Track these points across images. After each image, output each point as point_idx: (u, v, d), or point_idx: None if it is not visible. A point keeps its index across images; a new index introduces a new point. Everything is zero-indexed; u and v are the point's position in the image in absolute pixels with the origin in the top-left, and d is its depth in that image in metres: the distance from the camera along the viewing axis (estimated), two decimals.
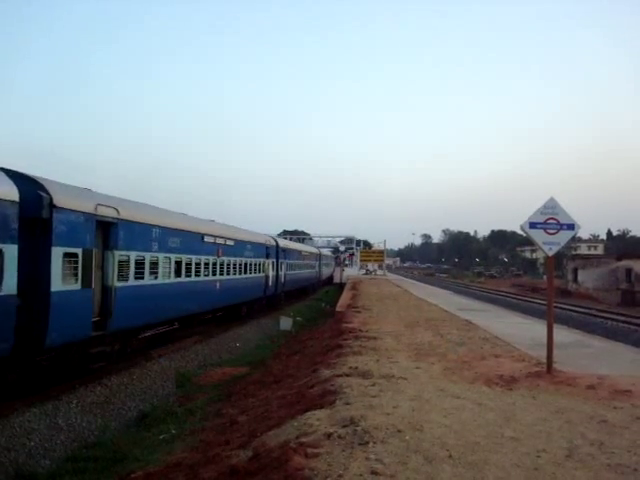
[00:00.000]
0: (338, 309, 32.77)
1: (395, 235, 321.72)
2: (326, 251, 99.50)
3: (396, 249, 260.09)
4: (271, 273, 43.16)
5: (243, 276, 34.77)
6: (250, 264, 36.73)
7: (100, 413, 15.39)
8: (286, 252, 49.91)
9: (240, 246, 34.41)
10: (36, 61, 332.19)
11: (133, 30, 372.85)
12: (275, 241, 47.04)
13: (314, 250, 74.43)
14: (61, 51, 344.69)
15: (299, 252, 59.12)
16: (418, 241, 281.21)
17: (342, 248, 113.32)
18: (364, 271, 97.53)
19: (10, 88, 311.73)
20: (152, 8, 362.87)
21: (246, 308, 36.94)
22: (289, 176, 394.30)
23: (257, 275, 38.92)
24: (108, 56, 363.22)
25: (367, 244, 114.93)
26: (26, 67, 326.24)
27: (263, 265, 40.60)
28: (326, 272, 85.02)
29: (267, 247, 42.54)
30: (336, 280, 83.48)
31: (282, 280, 47.33)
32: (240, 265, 34.16)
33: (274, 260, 44.30)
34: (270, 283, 42.87)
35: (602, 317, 42.55)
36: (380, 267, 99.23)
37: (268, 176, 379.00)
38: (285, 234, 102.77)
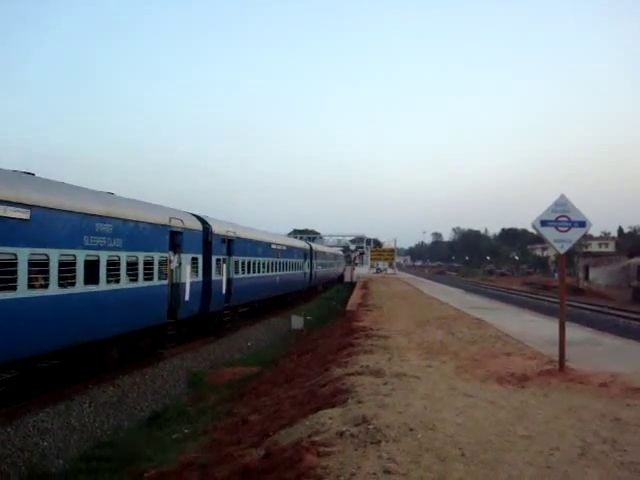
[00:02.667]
0: (349, 308, 32.85)
1: (405, 234, 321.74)
2: (333, 248, 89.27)
3: (406, 248, 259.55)
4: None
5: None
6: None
7: (113, 413, 15.46)
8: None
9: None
10: (41, 62, 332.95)
11: (140, 30, 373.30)
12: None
13: (299, 244, 55.71)
14: (68, 52, 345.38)
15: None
16: (428, 239, 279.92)
17: (352, 247, 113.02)
18: (375, 270, 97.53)
19: (18, 89, 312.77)
20: (159, 7, 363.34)
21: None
22: (299, 175, 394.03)
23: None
24: (113, 57, 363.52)
25: (377, 243, 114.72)
26: (32, 67, 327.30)
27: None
28: (327, 272, 71.24)
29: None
30: (347, 279, 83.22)
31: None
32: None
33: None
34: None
35: (614, 314, 42.41)
36: (391, 266, 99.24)
37: (278, 175, 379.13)
38: (295, 233, 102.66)
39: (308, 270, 53.94)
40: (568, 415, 8.98)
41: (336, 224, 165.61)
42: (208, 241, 25.89)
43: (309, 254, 54.90)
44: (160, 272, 20.31)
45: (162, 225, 20.92)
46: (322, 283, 68.14)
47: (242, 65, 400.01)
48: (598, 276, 71.99)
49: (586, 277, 75.52)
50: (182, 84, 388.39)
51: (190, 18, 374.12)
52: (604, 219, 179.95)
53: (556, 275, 73.11)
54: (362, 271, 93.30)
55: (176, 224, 22.09)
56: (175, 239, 21.99)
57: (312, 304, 50.38)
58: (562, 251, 13.24)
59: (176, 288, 21.87)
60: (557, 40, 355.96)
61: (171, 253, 21.49)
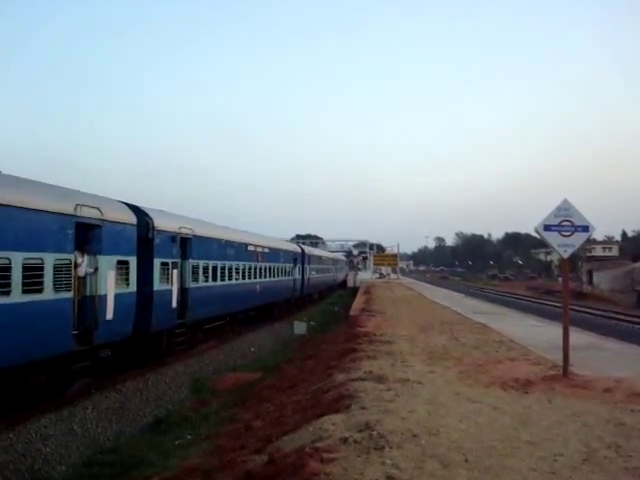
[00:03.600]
0: (352, 313, 32.85)
1: (408, 238, 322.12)
2: (331, 253, 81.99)
3: (409, 252, 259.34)
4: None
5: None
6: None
7: (115, 419, 15.43)
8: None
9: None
10: (43, 65, 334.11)
11: (139, 32, 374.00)
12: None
13: (287, 246, 47.56)
14: (66, 55, 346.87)
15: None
16: (431, 244, 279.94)
17: (355, 252, 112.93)
18: (377, 275, 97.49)
19: (19, 93, 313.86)
20: (159, 8, 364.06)
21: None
22: (301, 180, 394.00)
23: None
24: (112, 60, 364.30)
25: (380, 248, 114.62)
26: (33, 71, 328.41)
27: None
28: (323, 278, 63.52)
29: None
30: (350, 284, 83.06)
31: None
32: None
33: None
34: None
35: (618, 319, 42.31)
36: (394, 271, 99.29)
37: (280, 180, 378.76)
38: (298, 238, 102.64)
39: (299, 276, 47.66)
40: (572, 420, 8.96)
41: (339, 229, 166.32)
42: (148, 239, 19.62)
43: (300, 258, 48.65)
44: (58, 281, 14.02)
45: (61, 214, 14.48)
46: (318, 291, 62.19)
47: (245, 70, 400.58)
48: (602, 280, 71.86)
49: (590, 281, 75.44)
50: (183, 88, 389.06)
51: (190, 19, 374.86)
52: (608, 223, 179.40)
53: (560, 280, 73.07)
54: (365, 276, 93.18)
55: (89, 214, 15.56)
56: (87, 235, 15.81)
57: (314, 309, 50.29)
58: (565, 256, 13.22)
59: (89, 302, 15.55)
60: (559, 42, 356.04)
61: (78, 254, 15.23)
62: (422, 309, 32.84)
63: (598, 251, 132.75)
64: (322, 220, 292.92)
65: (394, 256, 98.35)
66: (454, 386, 11.47)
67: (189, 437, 13.52)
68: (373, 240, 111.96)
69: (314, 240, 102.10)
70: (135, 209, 19.25)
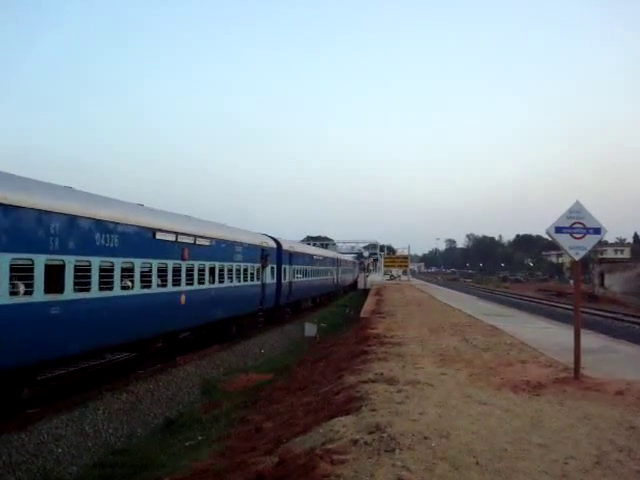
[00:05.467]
0: (362, 315, 32.74)
1: (419, 240, 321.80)
2: (328, 251, 72.20)
3: (420, 254, 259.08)
4: None
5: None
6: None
7: (126, 420, 15.50)
8: None
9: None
10: (49, 67, 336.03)
11: (148, 34, 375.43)
12: None
13: (247, 238, 32.21)
14: (69, 56, 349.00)
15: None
16: (442, 246, 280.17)
17: (366, 254, 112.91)
18: (388, 277, 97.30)
19: (23, 95, 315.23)
20: (166, 9, 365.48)
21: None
22: (312, 182, 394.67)
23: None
24: (120, 62, 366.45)
25: (391, 249, 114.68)
26: (39, 73, 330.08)
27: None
28: (316, 283, 52.39)
29: None
30: (360, 286, 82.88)
31: None
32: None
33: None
34: None
35: (629, 322, 42.04)
36: (404, 272, 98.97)
37: (291, 182, 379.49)
38: (308, 240, 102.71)
39: (272, 280, 35.50)
40: (584, 423, 8.92)
41: (350, 231, 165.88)
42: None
43: (276, 256, 36.76)
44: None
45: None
46: (310, 297, 51.68)
47: (255, 70, 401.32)
48: (614, 283, 71.35)
49: (601, 284, 74.88)
50: (192, 90, 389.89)
51: (200, 22, 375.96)
52: (619, 225, 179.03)
53: (571, 282, 72.77)
54: (376, 278, 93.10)
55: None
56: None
57: (325, 311, 50.19)
58: (577, 258, 13.16)
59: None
60: (578, 42, 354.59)
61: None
62: (433, 311, 32.71)
63: (610, 253, 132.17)
64: (333, 222, 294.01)
65: (405, 258, 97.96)
66: (465, 388, 11.43)
67: (200, 438, 13.55)
68: (384, 242, 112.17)
69: (324, 242, 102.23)
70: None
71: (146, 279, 18.64)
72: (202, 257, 23.81)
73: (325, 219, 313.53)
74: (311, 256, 50.48)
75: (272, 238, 37.55)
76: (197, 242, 23.11)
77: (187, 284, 21.97)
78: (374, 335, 20.32)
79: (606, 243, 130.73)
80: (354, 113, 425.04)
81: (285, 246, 39.41)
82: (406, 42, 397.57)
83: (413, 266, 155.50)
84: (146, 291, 18.66)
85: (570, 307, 37.72)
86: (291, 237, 65.19)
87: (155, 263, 19.31)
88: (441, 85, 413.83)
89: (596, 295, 71.64)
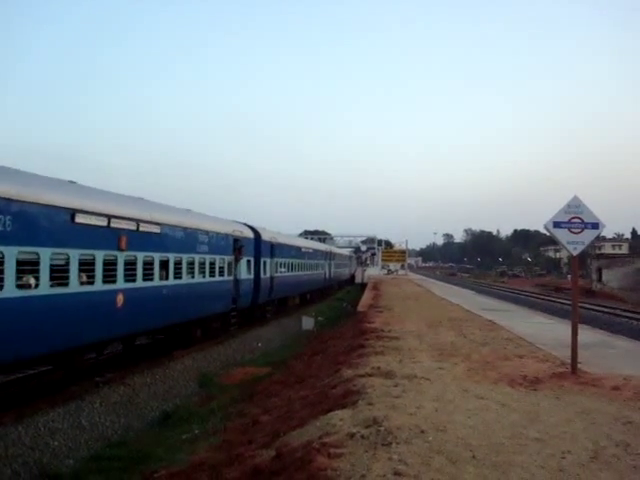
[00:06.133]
0: (360, 309, 32.75)
1: (417, 235, 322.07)
2: (318, 243, 66.30)
3: (418, 249, 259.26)
4: None
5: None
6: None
7: (123, 413, 15.48)
8: None
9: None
10: (48, 61, 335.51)
11: (148, 28, 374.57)
12: None
13: (213, 226, 26.42)
14: (72, 50, 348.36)
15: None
16: (440, 241, 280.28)
17: (364, 248, 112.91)
18: (386, 271, 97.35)
19: (23, 88, 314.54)
20: (170, 5, 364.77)
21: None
22: (310, 177, 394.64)
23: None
24: (120, 56, 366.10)
25: (389, 244, 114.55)
26: (39, 67, 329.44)
27: None
28: (304, 278, 47.28)
29: None
30: (358, 280, 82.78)
31: None
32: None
33: None
34: None
35: (627, 317, 42.08)
36: (402, 267, 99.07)
37: (288, 176, 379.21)
38: (306, 234, 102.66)
39: (248, 275, 30.63)
40: (580, 418, 8.92)
41: (347, 225, 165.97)
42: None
43: (254, 247, 32.11)
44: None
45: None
46: (297, 293, 46.92)
47: (253, 65, 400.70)
48: (611, 278, 71.47)
49: (599, 279, 75.03)
50: (191, 85, 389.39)
51: (200, 16, 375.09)
52: (618, 221, 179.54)
53: (569, 277, 72.82)
54: (373, 272, 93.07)
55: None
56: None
57: (323, 305, 50.19)
58: (575, 253, 13.15)
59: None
60: (575, 40, 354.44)
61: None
62: (430, 305, 32.75)
63: (608, 249, 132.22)
64: (331, 216, 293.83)
65: (402, 252, 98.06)
66: (462, 382, 11.43)
67: (197, 432, 13.55)
68: (381, 236, 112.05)
69: (322, 236, 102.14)
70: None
71: (59, 275, 14.49)
72: (150, 247, 19.02)
73: (323, 214, 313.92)
74: (298, 248, 45.49)
75: (250, 227, 32.46)
76: (141, 228, 18.41)
77: (127, 281, 17.40)
78: (371, 329, 20.32)
79: (604, 238, 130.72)
80: (353, 108, 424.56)
81: (265, 236, 34.49)
82: (406, 42, 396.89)
83: (411, 260, 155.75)
84: (60, 290, 14.49)
85: (568, 302, 37.80)
86: (289, 231, 64.11)
87: (74, 254, 15.02)
88: (439, 82, 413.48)
89: (594, 290, 71.82)
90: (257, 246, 32.48)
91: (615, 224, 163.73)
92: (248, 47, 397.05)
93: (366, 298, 40.96)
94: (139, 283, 18.21)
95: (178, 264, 21.37)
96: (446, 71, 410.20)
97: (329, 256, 62.04)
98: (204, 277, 24.21)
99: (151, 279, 19.07)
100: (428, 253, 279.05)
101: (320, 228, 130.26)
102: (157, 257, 19.55)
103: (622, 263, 71.97)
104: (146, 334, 21.68)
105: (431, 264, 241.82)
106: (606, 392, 10.84)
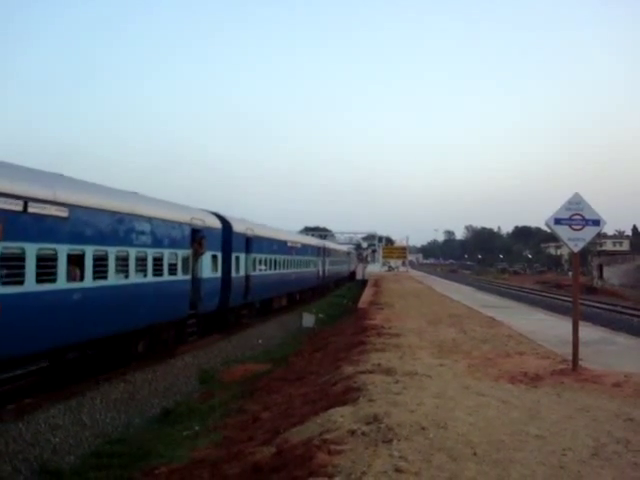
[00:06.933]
0: (360, 306, 32.79)
1: (418, 231, 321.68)
2: (306, 237, 61.47)
3: (418, 245, 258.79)
4: None
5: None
6: None
7: (124, 409, 15.48)
8: None
9: None
10: (46, 57, 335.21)
11: (146, 24, 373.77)
12: None
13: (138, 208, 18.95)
14: (71, 46, 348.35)
15: None
16: (441, 237, 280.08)
17: (364, 245, 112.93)
18: (386, 268, 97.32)
19: (23, 84, 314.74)
20: (171, 2, 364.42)
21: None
22: (311, 173, 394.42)
23: None
24: (118, 52, 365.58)
25: (389, 240, 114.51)
26: (39, 63, 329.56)
27: None
28: (295, 275, 42.78)
29: None
30: (358, 277, 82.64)
31: None
32: None
33: None
34: None
35: (628, 314, 42.04)
36: (403, 263, 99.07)
37: (290, 173, 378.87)
38: (307, 231, 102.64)
39: (214, 274, 25.08)
40: (581, 415, 8.92)
41: (348, 222, 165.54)
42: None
43: (220, 240, 26.26)
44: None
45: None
46: (283, 294, 40.54)
47: (258, 66, 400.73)
48: (612, 275, 71.49)
49: (600, 276, 75.03)
50: (195, 82, 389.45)
51: (206, 11, 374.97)
52: (618, 218, 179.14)
53: (570, 274, 72.86)
54: (374, 269, 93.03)
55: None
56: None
57: (323, 302, 50.15)
58: (576, 250, 13.14)
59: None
60: (574, 39, 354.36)
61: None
62: (431, 302, 32.76)
63: (609, 245, 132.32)
64: (331, 213, 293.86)
65: (403, 249, 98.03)
66: (463, 379, 11.43)
67: (197, 428, 13.54)
68: (382, 233, 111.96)
69: (323, 232, 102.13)
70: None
71: None
72: (50, 237, 14.14)
73: (323, 211, 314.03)
74: (283, 243, 39.65)
75: (217, 216, 26.99)
76: (31, 210, 13.25)
77: (5, 283, 12.52)
78: (372, 326, 20.33)
79: (605, 235, 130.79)
80: (354, 105, 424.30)
81: (238, 227, 28.88)
82: (406, 41, 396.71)
83: (411, 257, 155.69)
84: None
85: (568, 299, 37.75)
86: (290, 228, 61.55)
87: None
88: (440, 79, 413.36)
89: (595, 287, 71.80)
90: (227, 239, 27.03)
91: (616, 221, 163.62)
92: (249, 45, 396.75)
93: (367, 295, 40.99)
94: (29, 286, 13.19)
95: (100, 260, 16.20)
96: (446, 71, 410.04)
97: (323, 252, 57.13)
98: (145, 276, 18.76)
99: (52, 280, 14.06)
100: (429, 250, 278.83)
101: (321, 225, 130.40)
102: (63, 250, 14.43)
103: (623, 260, 72.00)
104: (47, 353, 15.74)
105: (432, 261, 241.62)
106: (607, 389, 10.83)
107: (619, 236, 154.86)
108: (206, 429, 13.16)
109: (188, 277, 22.19)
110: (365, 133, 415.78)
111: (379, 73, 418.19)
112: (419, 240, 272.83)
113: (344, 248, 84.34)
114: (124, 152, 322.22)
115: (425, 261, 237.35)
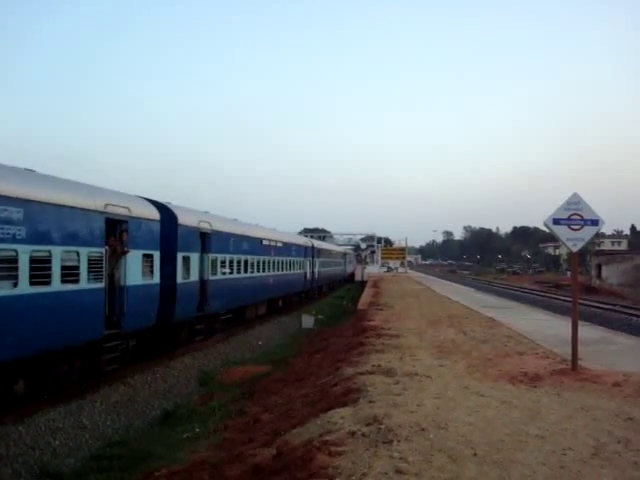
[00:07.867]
0: (360, 307, 32.77)
1: (416, 232, 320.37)
2: (295, 235, 55.04)
3: (417, 246, 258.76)
4: None
5: None
6: None
7: (124, 412, 15.47)
8: None
9: None
10: (47, 60, 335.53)
11: (146, 26, 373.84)
12: None
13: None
14: (71, 48, 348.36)
15: None
16: (439, 238, 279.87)
17: (363, 246, 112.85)
18: (385, 269, 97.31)
19: (25, 88, 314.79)
20: (166, 2, 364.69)
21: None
22: (310, 175, 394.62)
23: None
24: (119, 54, 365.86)
25: (388, 241, 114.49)
26: (40, 66, 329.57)
27: None
28: (284, 278, 39.31)
29: None
30: (357, 278, 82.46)
31: None
32: None
33: None
34: None
35: (627, 313, 41.99)
36: (402, 264, 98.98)
37: (288, 174, 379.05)
38: (305, 232, 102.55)
39: (146, 280, 18.45)
40: (581, 415, 8.93)
41: (347, 223, 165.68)
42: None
43: (157, 235, 19.59)
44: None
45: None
46: (259, 301, 34.24)
47: (252, 64, 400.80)
48: (611, 274, 71.45)
49: (599, 275, 75.00)
50: (192, 84, 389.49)
51: (197, 14, 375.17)
52: (617, 217, 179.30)
53: (568, 274, 72.81)
54: (373, 270, 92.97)
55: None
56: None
57: (322, 302, 50.11)
58: (575, 249, 13.16)
59: None
60: (574, 40, 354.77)
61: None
62: (430, 303, 32.75)
63: (607, 245, 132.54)
64: (330, 214, 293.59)
65: (402, 250, 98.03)
66: (463, 380, 11.44)
67: (197, 430, 13.53)
68: (381, 234, 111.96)
69: (322, 234, 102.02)
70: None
71: None
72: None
73: (322, 212, 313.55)
74: (257, 241, 33.13)
75: (154, 203, 20.40)
76: None
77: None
78: (372, 327, 20.33)
79: (603, 235, 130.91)
80: (352, 106, 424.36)
81: (187, 220, 22.59)
82: (406, 41, 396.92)
83: (410, 258, 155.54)
84: None
85: (567, 299, 37.76)
86: (288, 229, 60.16)
87: None
88: (439, 80, 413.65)
89: (593, 287, 71.75)
90: (169, 234, 20.63)
91: (614, 221, 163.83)
92: (249, 44, 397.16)
93: (366, 296, 40.96)
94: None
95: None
96: (446, 71, 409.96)
97: (312, 252, 50.53)
98: (14, 286, 12.32)
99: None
100: (428, 251, 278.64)
101: (320, 226, 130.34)
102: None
103: (621, 259, 71.95)
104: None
105: (431, 262, 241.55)
106: (607, 389, 10.84)
107: (617, 236, 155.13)
108: (206, 431, 13.14)
109: (100, 285, 15.69)
110: (365, 133, 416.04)
111: (378, 73, 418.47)
112: (418, 241, 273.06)
113: (340, 248, 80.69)
114: (121, 154, 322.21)
115: (424, 262, 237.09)
